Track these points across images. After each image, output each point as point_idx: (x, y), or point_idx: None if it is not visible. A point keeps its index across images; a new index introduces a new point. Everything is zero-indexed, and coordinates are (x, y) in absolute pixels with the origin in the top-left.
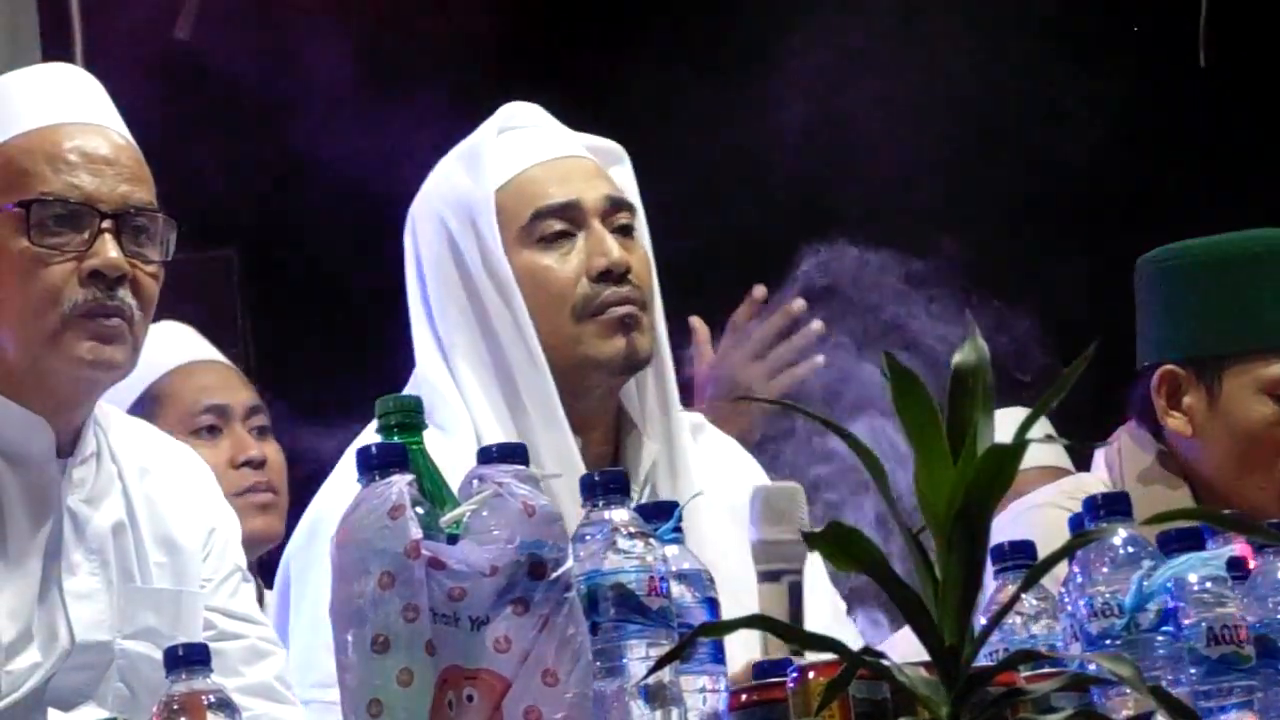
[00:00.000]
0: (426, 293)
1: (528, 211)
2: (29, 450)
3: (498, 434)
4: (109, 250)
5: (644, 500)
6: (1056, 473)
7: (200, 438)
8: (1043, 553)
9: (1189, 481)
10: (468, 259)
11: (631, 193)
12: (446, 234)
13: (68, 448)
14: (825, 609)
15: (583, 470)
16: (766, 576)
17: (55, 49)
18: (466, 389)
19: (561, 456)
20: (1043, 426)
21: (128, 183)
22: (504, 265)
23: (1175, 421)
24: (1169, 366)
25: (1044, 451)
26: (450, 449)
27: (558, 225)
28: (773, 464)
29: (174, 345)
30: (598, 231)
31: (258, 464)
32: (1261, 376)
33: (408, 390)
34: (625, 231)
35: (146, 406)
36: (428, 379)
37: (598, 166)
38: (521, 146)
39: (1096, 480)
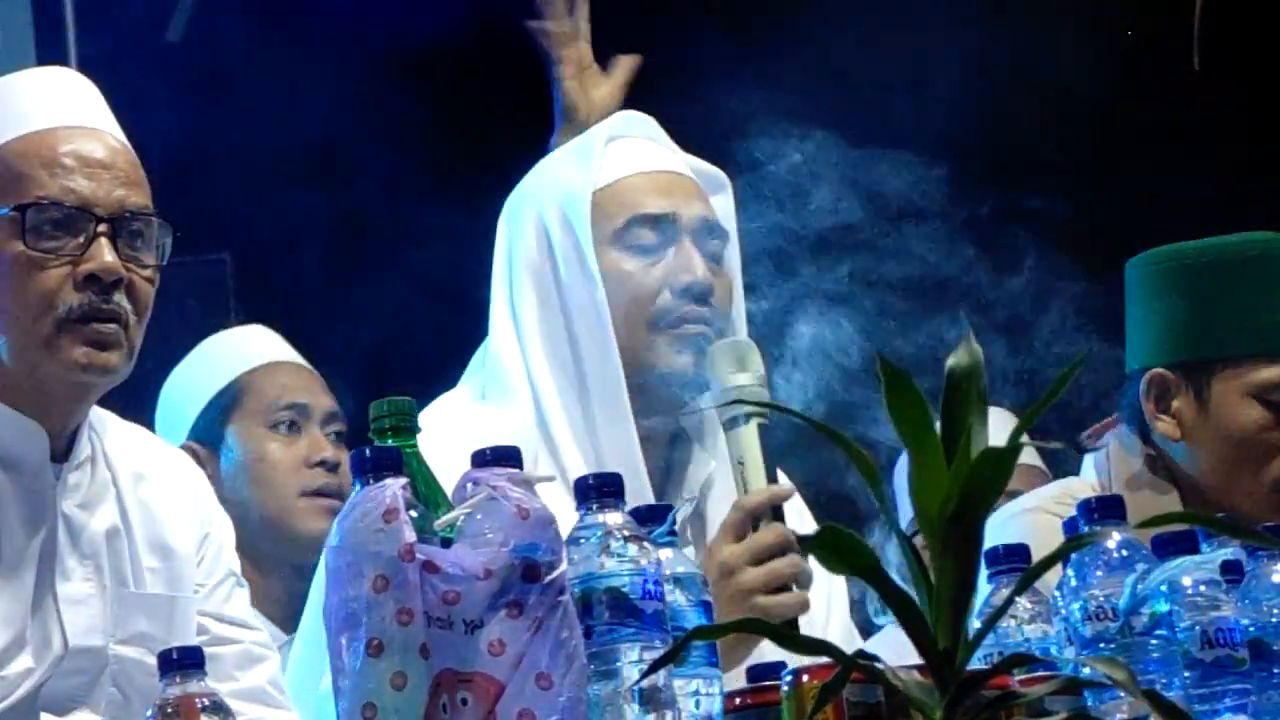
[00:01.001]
0: (512, 278)
1: (624, 216)
2: (23, 455)
3: (562, 420)
4: (104, 254)
5: (690, 513)
6: (1030, 470)
7: (278, 432)
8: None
9: (1177, 486)
10: (558, 252)
11: (729, 222)
12: (541, 225)
13: (62, 453)
14: (839, 626)
15: (643, 466)
16: (735, 421)
17: (49, 51)
18: (536, 373)
19: (624, 453)
20: (1009, 425)
21: (124, 187)
22: (593, 262)
23: (1164, 425)
24: (1158, 370)
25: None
26: (507, 421)
27: (650, 234)
28: None
29: (264, 343)
30: (688, 249)
31: (331, 466)
32: (1250, 380)
33: (473, 363)
34: (715, 256)
35: (230, 398)
36: (497, 356)
37: (699, 188)
38: (628, 154)
39: (1085, 484)
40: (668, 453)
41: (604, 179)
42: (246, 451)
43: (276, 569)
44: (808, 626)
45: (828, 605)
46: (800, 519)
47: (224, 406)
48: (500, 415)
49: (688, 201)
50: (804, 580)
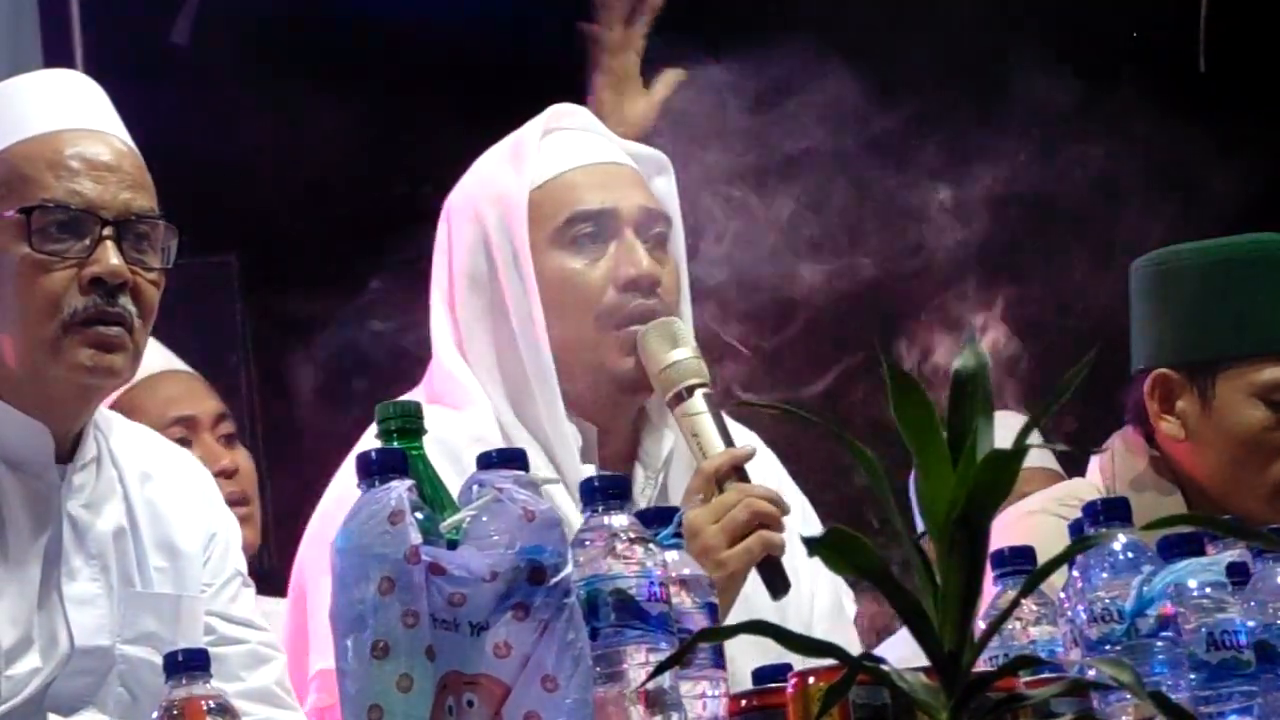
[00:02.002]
0: (453, 280)
1: (563, 214)
2: (28, 456)
3: (514, 420)
4: (110, 257)
5: (657, 491)
6: (1045, 474)
7: None
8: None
9: (1182, 487)
10: (497, 255)
11: (671, 203)
12: (481, 228)
13: (68, 453)
14: (825, 602)
15: (579, 465)
16: (680, 397)
17: (55, 52)
18: (482, 376)
19: (568, 451)
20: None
21: (129, 189)
22: (530, 268)
23: (1168, 425)
24: (1162, 370)
25: (1034, 452)
26: (467, 423)
27: (591, 230)
28: None
29: None
30: (630, 241)
31: (230, 474)
32: (1254, 381)
33: (425, 376)
34: (659, 244)
35: None
36: (443, 364)
37: (637, 175)
38: (564, 148)
39: (1089, 486)
40: (631, 434)
41: (540, 177)
42: None
43: None
44: (794, 596)
45: (811, 578)
46: (769, 474)
47: None
48: (459, 417)
49: (627, 192)
50: (776, 524)
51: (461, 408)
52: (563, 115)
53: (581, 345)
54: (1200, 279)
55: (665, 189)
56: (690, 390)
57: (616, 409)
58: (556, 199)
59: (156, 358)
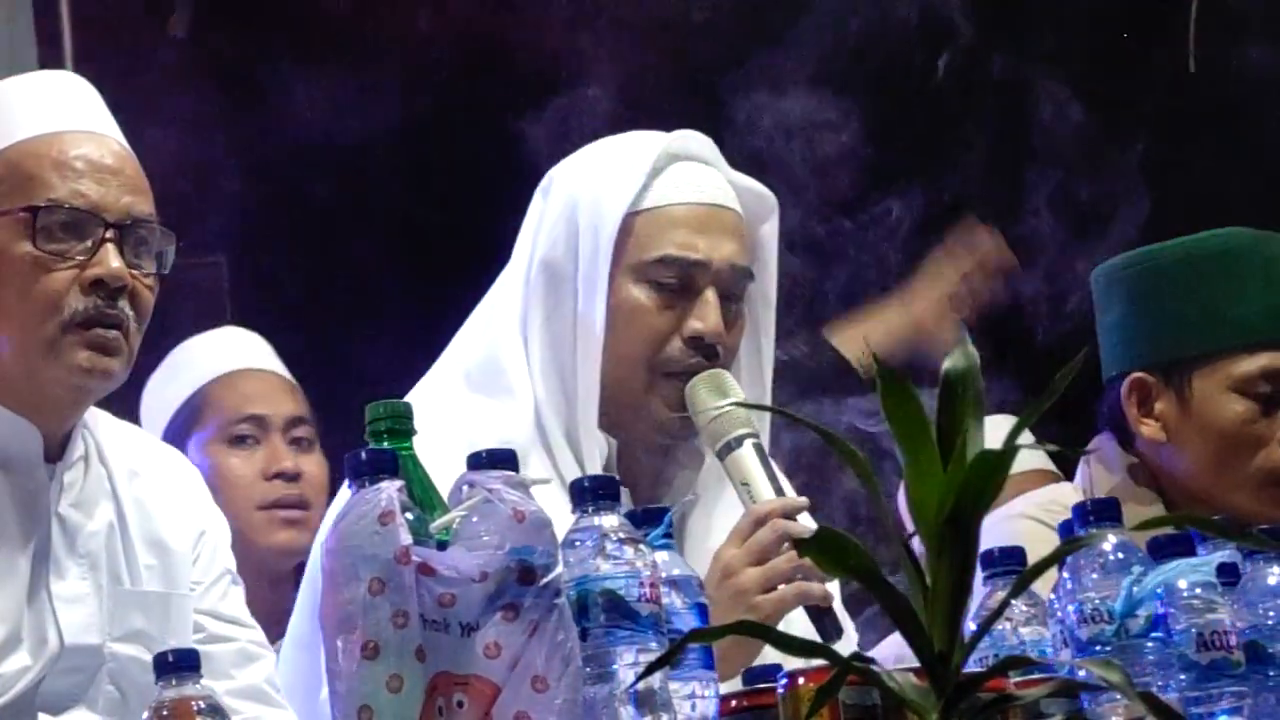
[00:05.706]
0: (534, 262)
1: (653, 252)
2: (17, 454)
3: (555, 422)
4: (112, 260)
5: (689, 504)
6: (1044, 476)
7: (236, 447)
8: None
9: (1162, 492)
10: (581, 260)
11: (770, 248)
12: (573, 221)
13: (57, 452)
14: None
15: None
16: (729, 447)
17: (47, 53)
18: (535, 372)
19: (599, 462)
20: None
21: (130, 193)
22: (603, 294)
23: (1149, 429)
24: (1137, 374)
25: (1031, 455)
26: (505, 418)
27: (675, 277)
28: None
29: (228, 351)
30: (707, 297)
31: (290, 476)
32: (1230, 374)
33: (460, 345)
34: (736, 299)
35: (191, 411)
36: (496, 347)
37: (739, 223)
38: (676, 179)
39: (1071, 492)
40: (661, 459)
41: (645, 202)
42: (207, 467)
43: (245, 581)
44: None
45: None
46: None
47: (185, 419)
48: (498, 410)
49: (721, 243)
50: (818, 575)
51: (501, 402)
52: (684, 142)
53: (630, 383)
54: (1164, 279)
55: (769, 233)
56: (740, 440)
57: (646, 440)
58: (651, 233)
59: (245, 354)
